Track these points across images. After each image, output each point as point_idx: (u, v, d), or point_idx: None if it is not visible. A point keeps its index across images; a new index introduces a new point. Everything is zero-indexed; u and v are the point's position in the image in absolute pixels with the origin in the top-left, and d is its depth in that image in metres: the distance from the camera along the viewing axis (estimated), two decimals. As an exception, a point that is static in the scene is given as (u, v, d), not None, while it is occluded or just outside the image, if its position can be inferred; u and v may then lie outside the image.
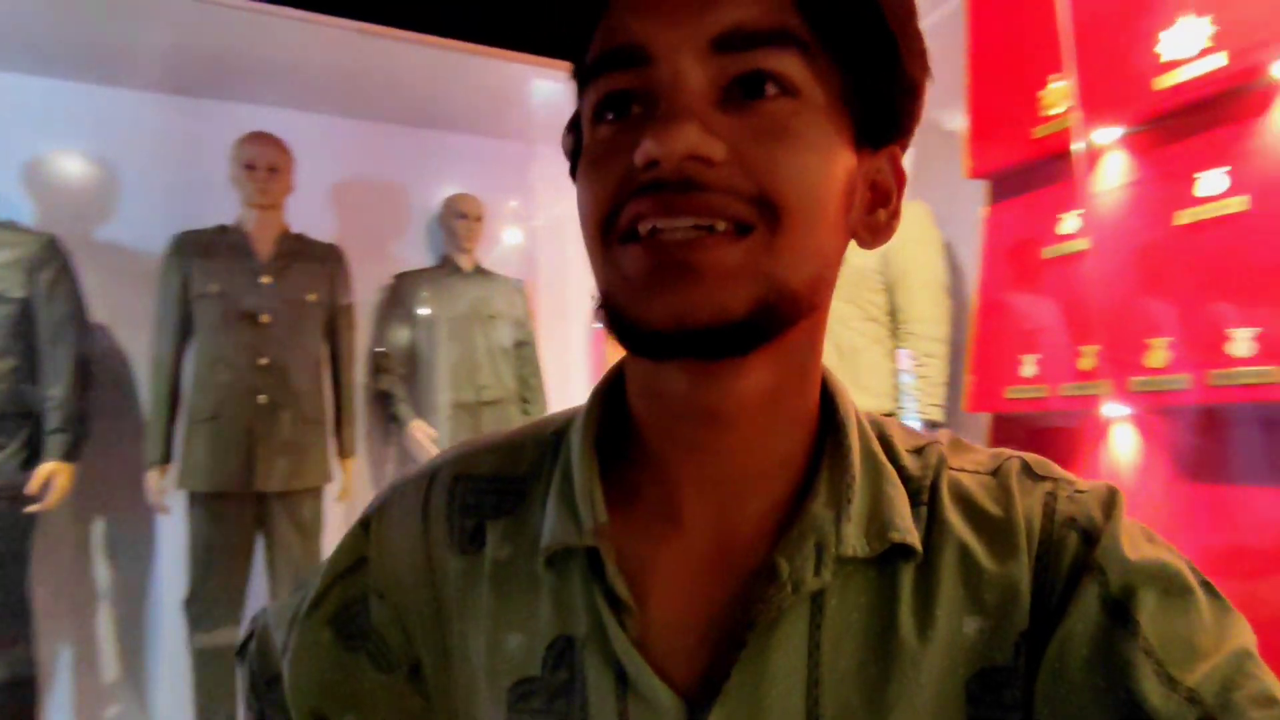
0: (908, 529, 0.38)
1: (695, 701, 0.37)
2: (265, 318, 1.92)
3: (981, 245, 1.78)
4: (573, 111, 0.42)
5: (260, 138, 1.97)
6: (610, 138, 0.36)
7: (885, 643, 0.37)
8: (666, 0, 0.34)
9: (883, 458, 0.41)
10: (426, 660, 0.45)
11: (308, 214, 2.12)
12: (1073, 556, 0.36)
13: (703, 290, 0.33)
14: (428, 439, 2.20)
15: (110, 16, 1.91)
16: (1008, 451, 0.42)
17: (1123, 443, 1.43)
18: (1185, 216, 1.34)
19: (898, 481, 0.40)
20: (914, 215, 1.89)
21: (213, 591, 1.87)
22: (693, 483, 0.40)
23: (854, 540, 0.37)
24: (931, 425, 1.84)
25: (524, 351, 2.46)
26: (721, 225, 0.33)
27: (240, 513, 1.89)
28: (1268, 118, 1.26)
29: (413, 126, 2.50)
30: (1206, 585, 0.36)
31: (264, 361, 1.90)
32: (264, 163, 1.95)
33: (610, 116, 0.36)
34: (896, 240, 1.80)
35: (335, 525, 2.12)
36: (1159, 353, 1.34)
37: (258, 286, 1.93)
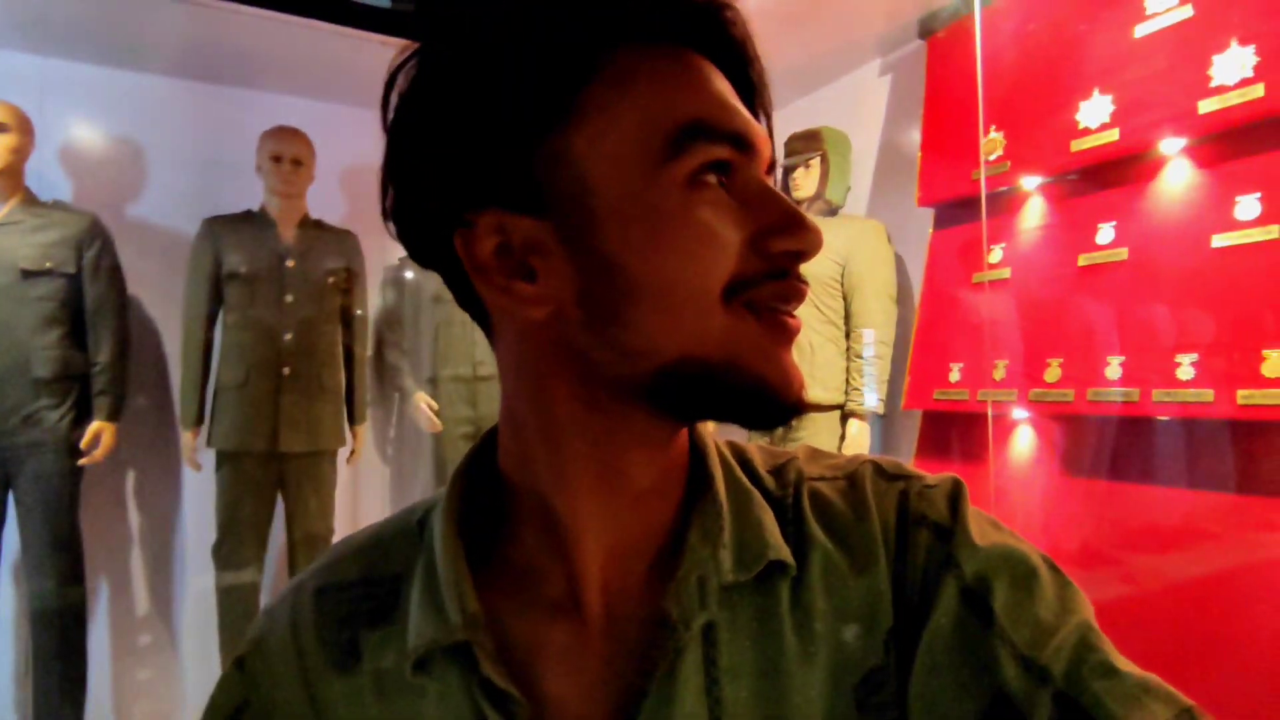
0: (779, 545, 0.39)
1: None
2: (289, 297, 2.12)
3: (925, 265, 2.06)
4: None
5: (287, 132, 2.14)
6: (718, 203, 0.36)
7: (775, 665, 0.38)
8: (736, 96, 0.39)
9: (747, 483, 0.42)
10: None
11: (320, 197, 2.30)
12: (926, 553, 0.38)
13: (798, 359, 0.38)
14: (429, 409, 2.43)
15: (139, 6, 2.05)
16: (863, 455, 0.44)
17: (1023, 441, 1.74)
18: (1085, 259, 1.63)
19: (764, 503, 0.41)
20: (872, 231, 2.15)
21: (238, 538, 2.11)
22: (590, 552, 0.40)
23: (732, 567, 0.39)
24: (875, 416, 2.14)
25: (517, 331, 2.69)
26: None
27: (264, 470, 2.12)
28: (1152, 185, 1.55)
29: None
30: (1048, 563, 0.38)
31: (288, 337, 2.11)
32: (289, 155, 2.13)
33: (711, 180, 0.36)
34: (855, 253, 2.08)
35: (344, 484, 2.36)
36: (1054, 370, 1.64)
37: (283, 269, 2.13)
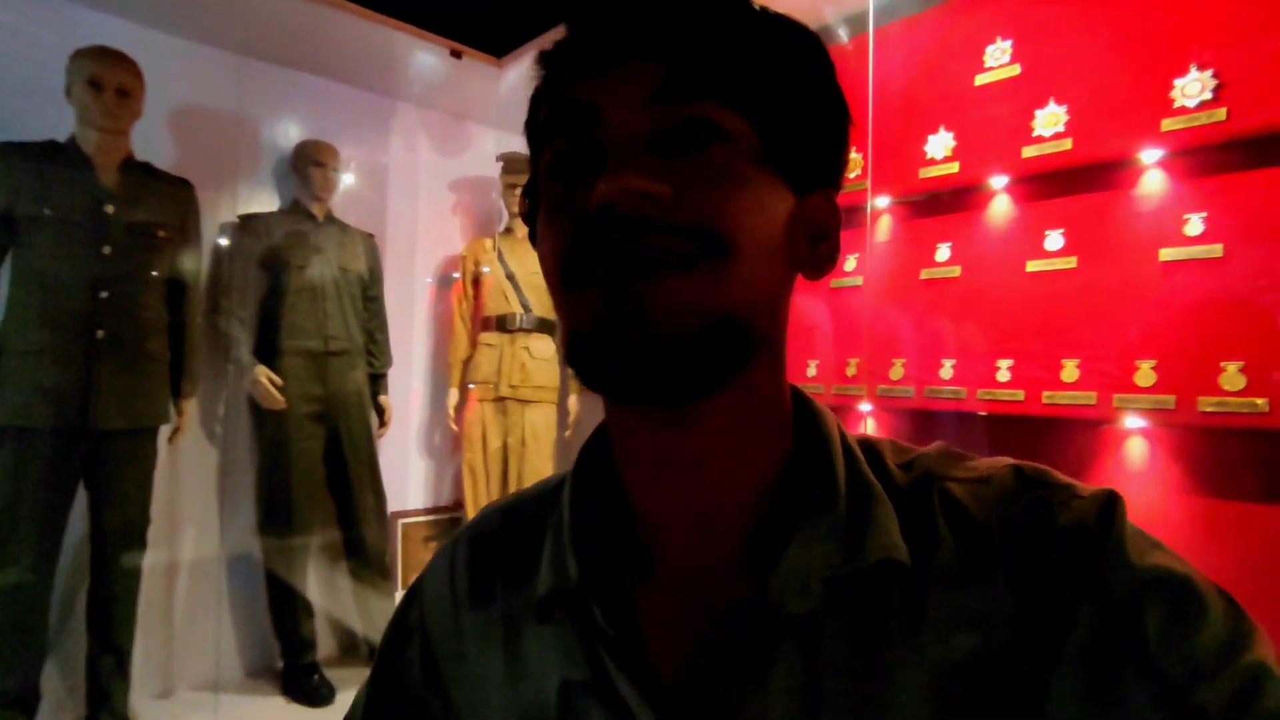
0: (894, 545, 0.38)
1: None
2: (107, 249, 1.83)
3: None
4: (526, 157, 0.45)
5: (111, 55, 1.84)
6: (565, 191, 0.38)
7: (879, 662, 0.36)
8: (608, 61, 0.37)
9: (870, 476, 0.41)
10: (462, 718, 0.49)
11: (141, 138, 2.00)
12: (1067, 568, 0.35)
13: (656, 322, 0.34)
14: (272, 385, 2.21)
15: None
16: (1004, 460, 0.41)
17: (868, 433, 1.96)
18: (926, 274, 1.87)
19: (885, 499, 0.40)
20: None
21: (19, 529, 1.78)
22: (672, 525, 0.41)
23: (841, 561, 0.38)
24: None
25: (372, 305, 2.53)
26: (671, 260, 0.35)
27: (65, 451, 1.80)
28: (982, 214, 1.80)
29: (269, 63, 2.40)
30: (1220, 593, 0.34)
31: (104, 295, 1.81)
32: (113, 83, 1.83)
33: (563, 172, 0.38)
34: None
35: (164, 469, 2.08)
36: (897, 370, 1.86)
37: (100, 215, 1.82)
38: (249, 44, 2.30)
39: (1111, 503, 0.37)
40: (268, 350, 2.25)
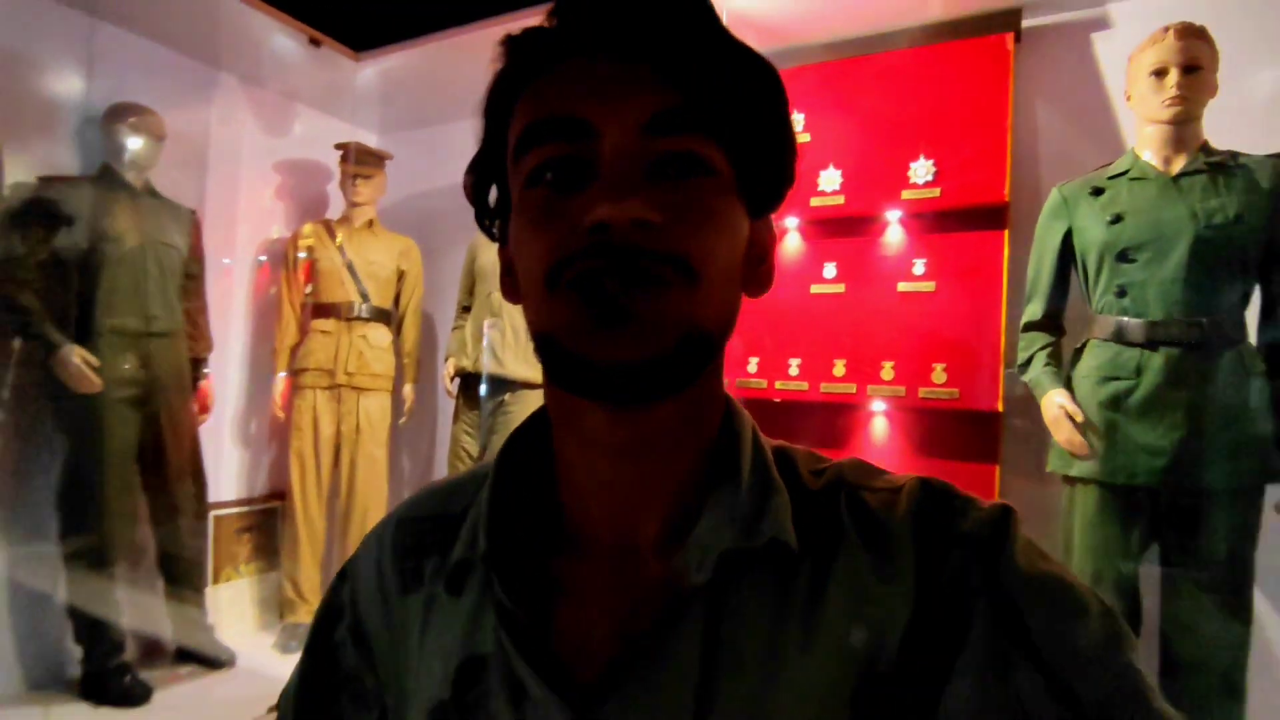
0: (783, 529, 0.40)
1: (594, 704, 0.38)
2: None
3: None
4: (476, 151, 0.45)
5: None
6: (551, 198, 0.39)
7: (775, 641, 0.38)
8: (606, 82, 0.38)
9: (773, 472, 0.43)
10: (389, 702, 0.48)
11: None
12: (964, 573, 0.38)
13: (638, 333, 0.36)
14: (88, 366, 2.03)
15: None
16: (910, 475, 0.44)
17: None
18: (816, 288, 2.21)
19: (783, 490, 0.42)
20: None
21: None
22: (601, 507, 0.44)
23: (733, 537, 0.40)
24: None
25: (192, 285, 2.40)
26: (652, 279, 0.37)
27: None
28: (780, 246, 2.29)
29: (69, 6, 2.18)
30: (1100, 602, 0.37)
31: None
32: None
33: (549, 178, 0.39)
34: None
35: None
36: (752, 364, 2.27)
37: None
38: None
39: (1006, 515, 0.40)
40: (80, 329, 2.06)
